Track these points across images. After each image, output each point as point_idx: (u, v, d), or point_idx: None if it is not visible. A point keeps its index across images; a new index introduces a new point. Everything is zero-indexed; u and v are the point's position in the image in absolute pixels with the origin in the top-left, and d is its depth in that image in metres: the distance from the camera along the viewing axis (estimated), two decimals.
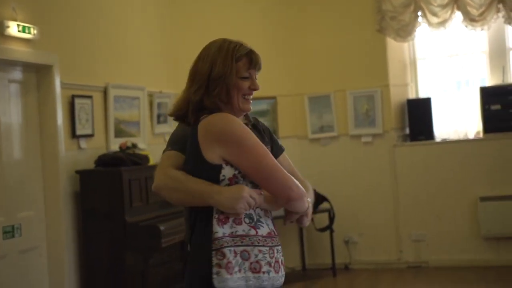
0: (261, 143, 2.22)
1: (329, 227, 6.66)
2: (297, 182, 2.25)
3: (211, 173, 2.19)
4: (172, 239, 5.02)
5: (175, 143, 2.37)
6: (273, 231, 2.29)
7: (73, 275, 5.06)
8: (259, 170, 2.18)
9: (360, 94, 7.00)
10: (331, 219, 6.66)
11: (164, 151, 2.39)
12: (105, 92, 5.53)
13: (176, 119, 2.33)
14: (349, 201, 6.93)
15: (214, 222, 2.17)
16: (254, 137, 2.21)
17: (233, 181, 2.19)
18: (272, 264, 2.23)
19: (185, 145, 2.30)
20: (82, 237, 5.12)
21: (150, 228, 4.90)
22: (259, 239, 2.22)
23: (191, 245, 2.27)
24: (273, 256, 2.24)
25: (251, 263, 2.18)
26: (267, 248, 2.23)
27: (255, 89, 2.31)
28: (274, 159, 2.24)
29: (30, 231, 4.84)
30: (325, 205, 6.69)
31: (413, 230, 6.80)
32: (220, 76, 2.21)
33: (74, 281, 5.06)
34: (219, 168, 2.18)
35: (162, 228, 4.89)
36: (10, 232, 4.66)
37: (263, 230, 2.24)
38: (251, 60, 2.28)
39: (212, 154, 2.18)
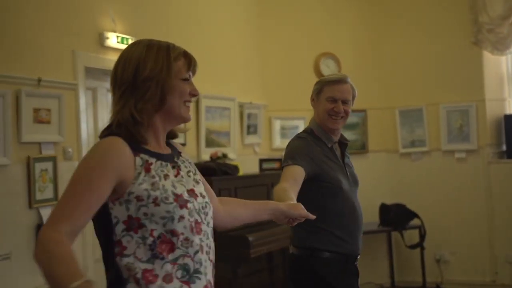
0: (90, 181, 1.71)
1: (420, 244, 6.47)
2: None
3: (102, 211, 1.79)
4: (261, 249, 5.02)
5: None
6: (210, 282, 1.84)
7: None
8: None
9: (454, 109, 6.78)
10: (422, 236, 6.48)
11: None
12: (197, 102, 5.62)
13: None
14: (441, 218, 6.71)
15: (132, 280, 1.72)
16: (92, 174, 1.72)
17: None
18: None
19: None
20: None
21: (239, 238, 4.91)
22: None
23: None
24: None
25: None
26: None
27: (196, 95, 1.93)
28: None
29: None
30: (415, 221, 6.51)
31: (510, 251, 6.50)
32: (152, 75, 1.81)
33: None
34: (106, 204, 1.78)
35: (251, 238, 4.89)
36: None
37: (199, 284, 1.78)
38: (190, 61, 1.94)
39: None
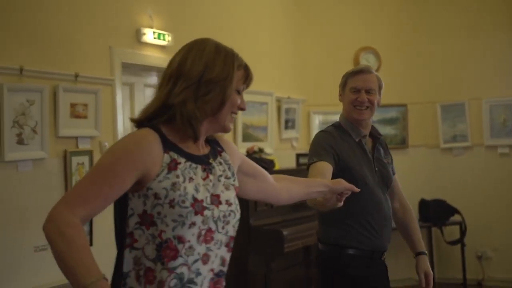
0: (113, 169, 1.69)
1: (460, 241, 6.38)
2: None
3: (119, 201, 1.80)
4: (296, 244, 5.02)
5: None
6: None
7: None
8: None
9: (497, 103, 6.65)
10: (463, 232, 6.38)
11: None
12: None
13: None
14: (483, 214, 6.59)
15: (133, 275, 1.73)
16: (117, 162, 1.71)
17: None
18: None
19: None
20: None
21: (274, 232, 4.93)
22: None
23: None
24: None
25: None
26: None
27: (244, 109, 1.93)
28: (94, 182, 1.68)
29: None
30: (456, 217, 6.42)
31: None
32: (217, 80, 1.81)
33: None
34: (125, 195, 1.78)
35: (285, 233, 4.90)
36: None
37: None
38: (248, 74, 1.92)
39: None
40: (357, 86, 2.94)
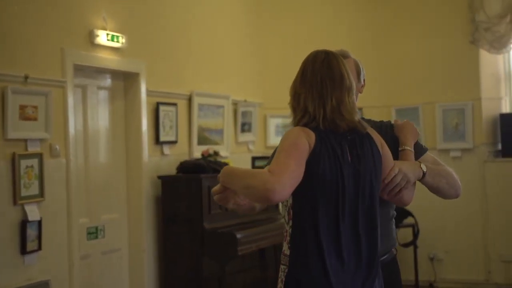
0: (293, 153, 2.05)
1: (413, 243, 6.47)
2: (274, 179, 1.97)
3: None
4: (249, 247, 5.04)
5: None
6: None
7: (152, 279, 5.18)
8: None
9: (450, 107, 6.77)
10: (415, 234, 6.48)
11: None
12: (189, 100, 5.64)
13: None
14: (435, 217, 6.70)
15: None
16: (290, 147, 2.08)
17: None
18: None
19: None
20: (162, 241, 5.23)
21: (227, 235, 4.94)
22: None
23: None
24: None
25: None
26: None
27: None
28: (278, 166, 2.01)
29: (113, 233, 5.00)
30: (409, 220, 6.51)
31: (503, 250, 6.48)
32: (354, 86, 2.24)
33: (153, 284, 5.17)
34: None
35: (238, 236, 4.91)
36: (94, 233, 4.83)
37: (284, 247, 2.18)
38: None
39: None
40: None
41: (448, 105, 6.76)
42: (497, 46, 6.60)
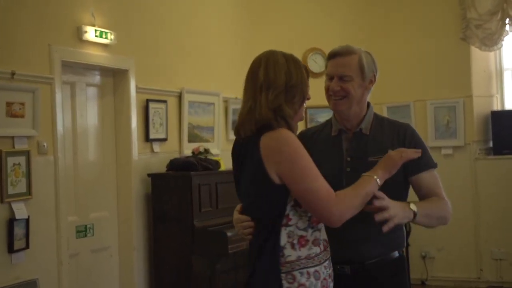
0: (311, 163, 2.14)
1: (405, 241, 6.45)
2: (341, 203, 2.12)
3: (278, 195, 2.14)
4: (240, 245, 4.98)
5: None
6: (325, 241, 2.29)
7: (142, 277, 5.13)
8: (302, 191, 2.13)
9: (441, 105, 6.76)
10: (407, 232, 6.41)
11: None
12: (180, 97, 5.60)
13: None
14: None
15: (288, 246, 2.16)
16: (306, 156, 2.15)
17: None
18: (331, 277, 2.26)
19: None
20: (152, 239, 5.18)
21: (217, 233, 4.89)
22: (322, 255, 2.23)
23: (256, 268, 2.21)
24: (330, 268, 2.27)
25: (321, 282, 2.19)
26: (327, 262, 2.25)
27: (309, 99, 2.33)
28: (318, 181, 2.13)
29: (102, 231, 4.95)
30: None
31: (495, 248, 6.49)
32: (297, 84, 2.21)
33: (143, 282, 5.13)
34: (284, 188, 2.13)
35: (229, 234, 4.87)
36: (83, 231, 4.78)
37: (322, 245, 2.25)
38: (307, 72, 2.32)
39: (273, 174, 2.13)
40: (329, 73, 2.55)
41: (439, 102, 6.76)
42: (488, 43, 6.60)
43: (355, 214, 2.18)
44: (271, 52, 2.29)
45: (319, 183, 2.11)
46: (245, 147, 2.22)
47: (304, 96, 2.25)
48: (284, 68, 2.22)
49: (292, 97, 2.21)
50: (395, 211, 2.28)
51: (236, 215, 2.40)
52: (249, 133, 2.20)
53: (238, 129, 2.26)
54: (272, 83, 2.19)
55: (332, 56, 2.56)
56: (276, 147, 2.12)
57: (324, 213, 2.11)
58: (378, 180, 2.24)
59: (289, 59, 2.25)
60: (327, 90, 2.57)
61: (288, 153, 2.11)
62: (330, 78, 2.54)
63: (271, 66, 2.22)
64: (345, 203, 2.13)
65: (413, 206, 2.36)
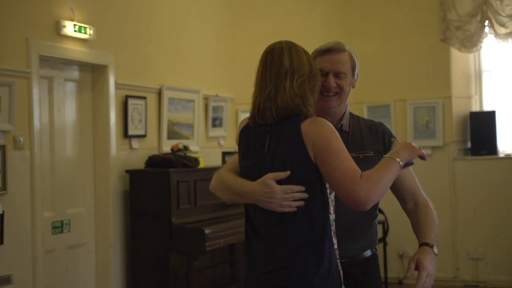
0: (344, 147, 2.17)
1: (383, 240, 6.48)
2: (365, 183, 2.10)
3: (320, 177, 2.19)
4: (217, 243, 4.99)
5: None
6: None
7: (119, 273, 5.11)
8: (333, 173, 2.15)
9: (421, 105, 6.80)
10: (385, 231, 6.49)
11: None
12: (159, 93, 5.58)
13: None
14: (404, 214, 6.69)
15: (332, 233, 2.24)
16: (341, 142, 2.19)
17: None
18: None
19: None
20: (129, 236, 5.16)
21: (195, 230, 4.88)
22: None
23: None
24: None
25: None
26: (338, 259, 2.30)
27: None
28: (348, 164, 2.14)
29: (79, 227, 4.92)
30: (379, 217, 6.50)
31: (471, 248, 6.54)
32: (317, 74, 2.27)
33: (120, 279, 5.11)
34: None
35: (207, 231, 4.86)
36: (59, 227, 4.75)
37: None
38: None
39: (311, 154, 2.16)
40: (323, 68, 2.48)
41: (419, 102, 6.80)
42: (468, 44, 6.65)
43: (380, 198, 2.17)
44: (289, 42, 2.29)
45: (347, 163, 2.12)
46: (277, 132, 2.20)
47: (319, 88, 2.30)
48: (305, 57, 2.25)
49: (313, 86, 2.25)
50: (432, 271, 2.45)
51: (278, 186, 2.20)
52: (270, 121, 2.20)
53: (254, 117, 2.25)
54: (298, 70, 2.21)
55: (326, 52, 2.53)
56: (315, 128, 2.16)
57: (349, 194, 2.09)
58: (400, 163, 2.22)
59: (305, 50, 2.29)
60: (320, 86, 2.46)
61: (324, 134, 2.14)
62: (324, 74, 2.48)
63: (295, 54, 2.24)
64: (369, 184, 2.09)
65: (435, 249, 2.50)
